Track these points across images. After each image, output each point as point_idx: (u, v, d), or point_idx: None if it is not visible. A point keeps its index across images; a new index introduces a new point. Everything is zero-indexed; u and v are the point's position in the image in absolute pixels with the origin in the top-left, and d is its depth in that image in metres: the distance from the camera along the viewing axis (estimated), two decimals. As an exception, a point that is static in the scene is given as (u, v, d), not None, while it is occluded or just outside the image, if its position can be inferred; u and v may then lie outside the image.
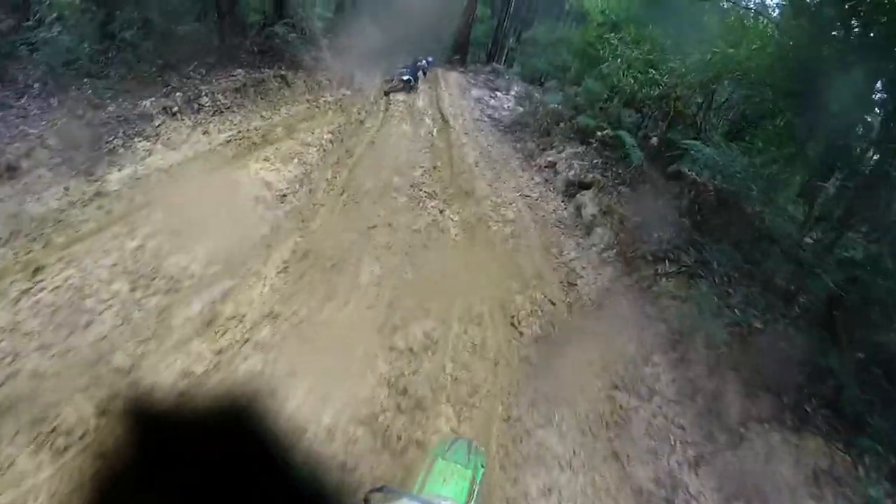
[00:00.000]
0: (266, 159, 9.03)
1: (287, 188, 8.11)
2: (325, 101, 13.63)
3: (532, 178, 10.52)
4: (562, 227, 8.43)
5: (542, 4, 33.48)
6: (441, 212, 8.21)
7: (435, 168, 10.65)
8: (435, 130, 14.03)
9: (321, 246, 6.63)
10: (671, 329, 6.22)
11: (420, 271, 6.51)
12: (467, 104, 18.48)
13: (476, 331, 5.92)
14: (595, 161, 10.02)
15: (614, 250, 7.38)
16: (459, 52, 25.24)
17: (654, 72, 11.14)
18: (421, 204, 8.30)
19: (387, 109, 15.64)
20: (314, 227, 7.26)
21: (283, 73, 12.86)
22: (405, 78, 18.02)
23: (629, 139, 9.49)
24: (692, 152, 7.75)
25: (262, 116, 11.22)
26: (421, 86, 18.76)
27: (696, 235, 7.25)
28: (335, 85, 15.05)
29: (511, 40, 30.79)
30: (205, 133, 9.68)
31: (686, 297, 6.51)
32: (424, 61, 19.15)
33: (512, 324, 6.13)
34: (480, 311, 6.18)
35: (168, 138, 8.89)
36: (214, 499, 3.06)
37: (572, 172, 9.74)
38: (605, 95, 16.24)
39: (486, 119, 16.82)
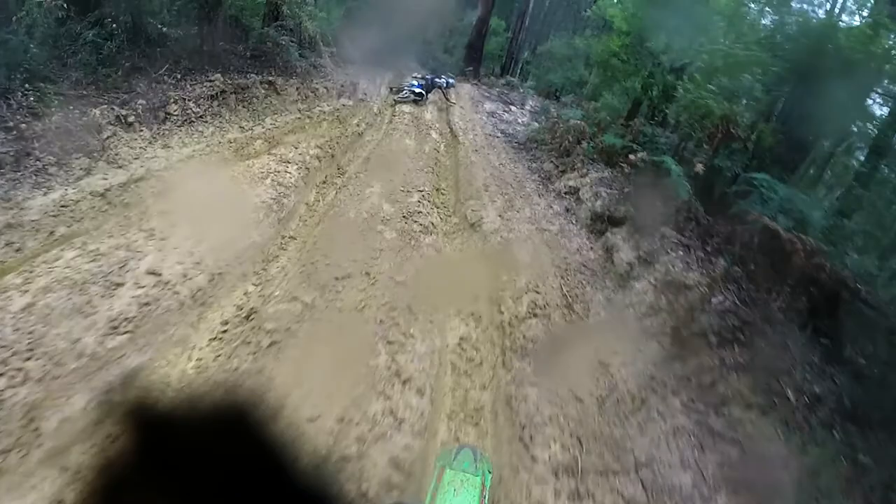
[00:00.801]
0: (233, 179, 7.36)
1: (250, 217, 6.41)
2: (320, 112, 12.01)
3: (550, 206, 8.78)
4: (588, 273, 6.63)
5: (557, 17, 32.01)
6: (438, 251, 6.46)
7: (437, 191, 8.97)
8: (442, 146, 12.36)
9: (270, 311, 4.86)
10: (748, 458, 4.25)
11: (397, 357, 4.64)
12: (479, 118, 16.83)
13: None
14: (626, 190, 8.25)
15: (660, 318, 5.45)
16: (472, 64, 23.66)
17: (690, 85, 9.37)
18: (413, 242, 6.55)
19: (391, 121, 14.01)
20: (272, 273, 5.55)
21: (271, 79, 11.26)
22: (416, 90, 16.42)
23: (674, 166, 7.65)
24: (762, 189, 5.99)
25: (240, 128, 9.62)
26: (431, 96, 17.15)
27: (779, 312, 5.31)
28: (335, 94, 13.47)
29: (526, 53, 29.23)
30: (165, 147, 8.07)
31: (770, 407, 4.45)
32: (444, 80, 17.45)
33: (521, 440, 4.11)
34: (478, 406, 4.33)
35: (115, 154, 7.28)
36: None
37: (599, 203, 7.97)
38: (629, 111, 14.58)
39: (499, 134, 15.15)
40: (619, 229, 7.14)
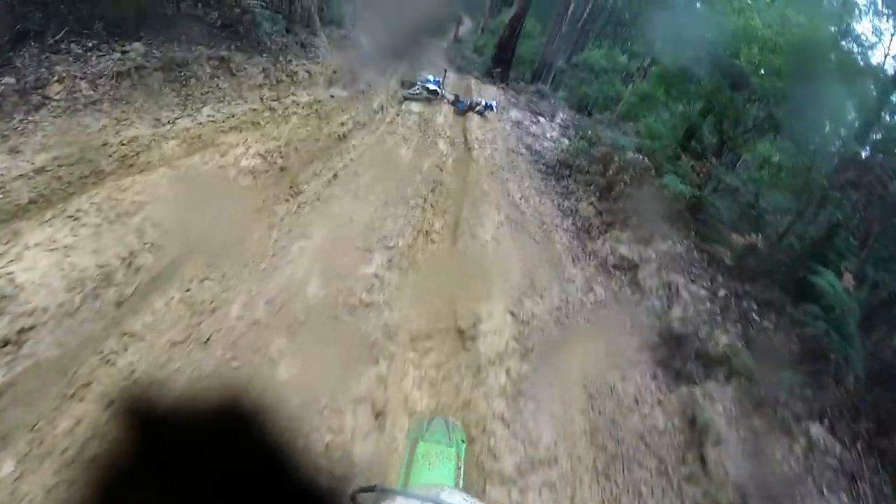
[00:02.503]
0: (73, 218, 4.15)
1: (61, 301, 3.16)
2: (293, 102, 8.72)
3: (591, 289, 5.47)
4: (647, 460, 3.30)
5: (597, 26, 28.48)
6: (381, 430, 3.16)
7: (419, 241, 5.70)
8: (449, 162, 9.08)
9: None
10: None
11: None
12: (502, 127, 13.49)
13: None
14: (721, 292, 4.81)
15: None
16: (501, 66, 20.20)
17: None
18: (353, 376, 3.27)
19: (391, 122, 10.76)
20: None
21: (224, 54, 7.96)
22: (431, 87, 13.03)
23: (836, 283, 4.14)
24: None
25: (155, 120, 6.37)
26: (450, 95, 13.83)
27: None
28: (322, 81, 10.16)
29: (560, 61, 25.64)
30: (11, 152, 4.83)
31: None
32: (483, 102, 13.93)
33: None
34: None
35: None
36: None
37: (678, 311, 4.56)
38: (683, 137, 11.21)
39: (523, 150, 11.83)
40: (716, 383, 3.71)
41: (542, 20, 24.13)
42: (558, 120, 16.90)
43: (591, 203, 8.04)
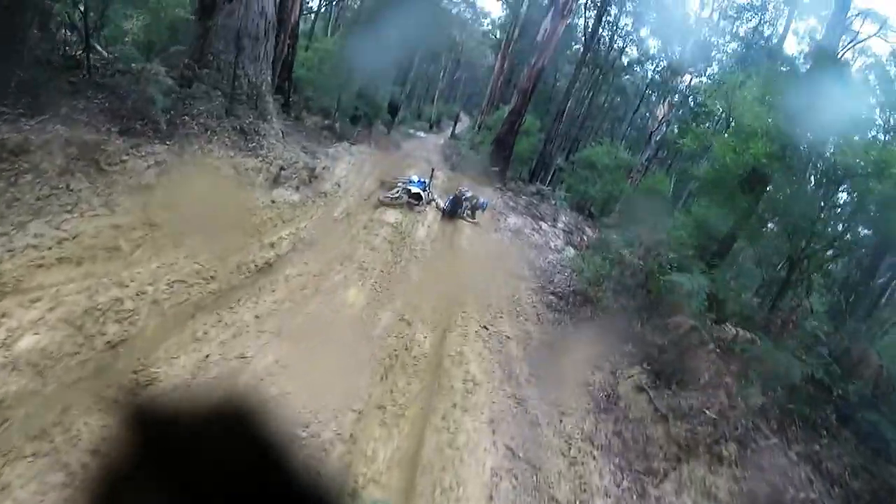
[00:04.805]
0: None
1: None
2: (191, 216, 5.77)
3: None
4: None
5: (596, 123, 26.59)
6: None
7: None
8: (423, 306, 5.98)
9: None
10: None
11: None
12: (499, 240, 10.64)
13: None
14: None
15: None
16: (499, 164, 17.74)
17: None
18: None
19: (355, 237, 7.79)
20: None
21: (92, 138, 5.15)
22: (413, 189, 10.20)
23: None
24: None
25: None
26: (439, 199, 11.08)
27: None
28: (262, 181, 7.34)
29: (559, 159, 23.35)
30: None
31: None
32: (477, 199, 11.17)
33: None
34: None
35: None
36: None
37: None
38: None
39: (525, 272, 8.90)
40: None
41: (540, 116, 22.09)
42: (561, 224, 14.20)
43: (642, 386, 4.89)
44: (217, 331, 4.29)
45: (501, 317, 6.28)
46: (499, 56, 24.16)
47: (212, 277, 4.82)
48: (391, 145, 16.93)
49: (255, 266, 5.44)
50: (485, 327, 5.73)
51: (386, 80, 15.83)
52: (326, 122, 14.06)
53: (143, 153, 5.44)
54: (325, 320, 4.83)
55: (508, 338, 5.69)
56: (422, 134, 24.50)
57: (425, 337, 5.41)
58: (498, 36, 27.63)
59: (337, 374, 4.10)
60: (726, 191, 9.57)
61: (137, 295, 4.13)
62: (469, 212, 10.86)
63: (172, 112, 6.06)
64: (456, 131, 26.63)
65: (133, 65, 5.95)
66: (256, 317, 4.59)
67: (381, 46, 12.87)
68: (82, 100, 5.62)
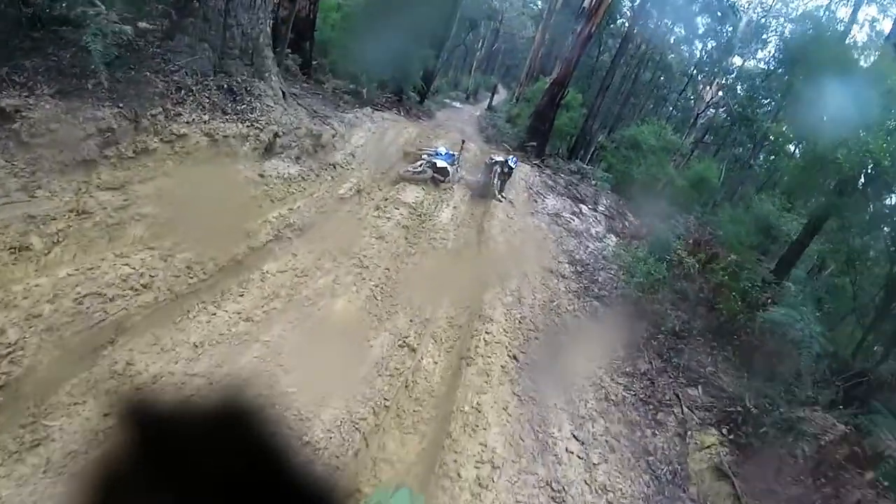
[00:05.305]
0: None
1: None
2: (159, 192, 4.38)
3: None
4: None
5: (640, 101, 24.54)
6: None
7: None
8: (440, 326, 4.58)
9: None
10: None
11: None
12: (536, 225, 9.10)
13: None
14: None
15: None
16: (537, 139, 15.96)
17: None
18: None
19: (360, 221, 6.39)
20: None
21: (9, 103, 3.73)
22: (439, 164, 8.68)
23: None
24: None
25: None
26: (468, 176, 9.57)
27: None
28: (249, 151, 5.95)
29: (601, 136, 21.37)
30: None
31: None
32: (507, 160, 9.43)
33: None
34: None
35: None
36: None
37: None
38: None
39: (565, 267, 7.48)
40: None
41: (581, 91, 20.15)
42: (601, 207, 12.58)
43: (721, 467, 3.41)
44: (139, 362, 2.99)
45: (537, 338, 4.83)
46: (540, 27, 22.23)
47: (144, 286, 3.50)
48: (423, 114, 15.34)
49: (216, 265, 4.09)
50: (514, 357, 4.30)
51: (421, 45, 14.18)
52: (352, 86, 12.55)
53: (81, 119, 4.10)
54: (289, 352, 3.45)
55: (544, 374, 4.25)
56: (457, 104, 23.06)
57: (435, 363, 4.03)
58: (539, 6, 25.74)
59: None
60: (813, 191, 7.94)
61: (27, 319, 2.83)
62: (499, 183, 9.22)
63: (127, 68, 4.69)
64: (493, 103, 25.10)
65: (80, 9, 4.57)
66: (195, 345, 3.26)
67: (416, 11, 11.34)
68: (38, 58, 4.30)
